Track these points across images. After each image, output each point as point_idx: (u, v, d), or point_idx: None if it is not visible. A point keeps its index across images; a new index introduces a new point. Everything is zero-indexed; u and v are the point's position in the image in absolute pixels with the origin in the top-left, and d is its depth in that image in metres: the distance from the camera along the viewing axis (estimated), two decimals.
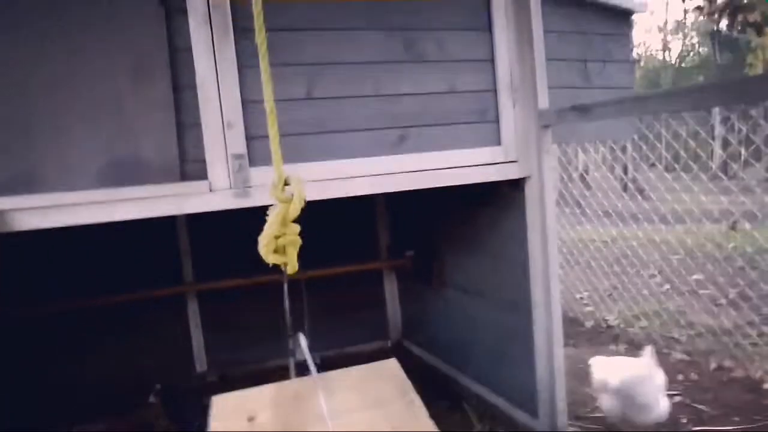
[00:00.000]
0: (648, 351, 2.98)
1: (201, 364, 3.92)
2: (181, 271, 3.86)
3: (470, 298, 3.29)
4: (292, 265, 1.42)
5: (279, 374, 1.90)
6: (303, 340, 1.53)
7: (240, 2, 2.09)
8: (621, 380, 2.90)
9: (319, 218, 3.12)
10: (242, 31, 2.12)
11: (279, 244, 1.39)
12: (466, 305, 3.34)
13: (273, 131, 1.31)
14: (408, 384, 1.56)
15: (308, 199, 2.13)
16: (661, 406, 2.89)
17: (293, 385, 1.66)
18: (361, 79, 2.35)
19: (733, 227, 7.04)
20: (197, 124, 2.12)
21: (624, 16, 3.05)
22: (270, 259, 1.40)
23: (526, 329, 2.74)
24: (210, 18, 2.07)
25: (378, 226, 4.37)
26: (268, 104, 1.29)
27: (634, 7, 3.09)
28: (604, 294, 6.03)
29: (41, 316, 3.40)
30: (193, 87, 2.10)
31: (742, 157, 6.64)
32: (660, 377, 2.95)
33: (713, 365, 4.05)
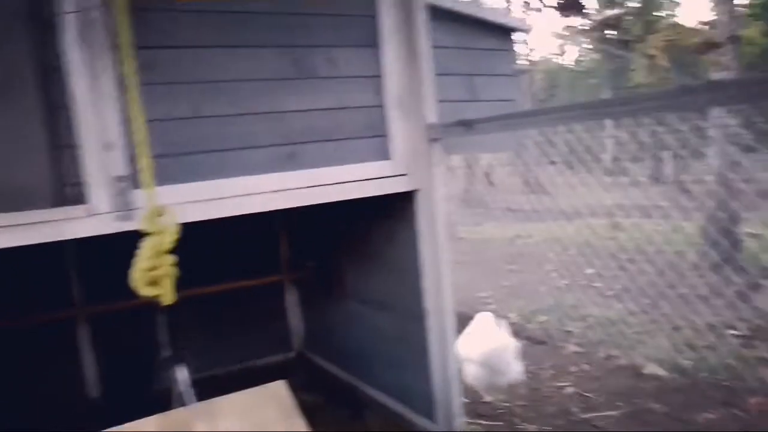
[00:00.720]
0: (503, 323, 3.35)
1: (94, 389, 3.74)
2: (70, 293, 3.67)
3: (369, 308, 3.34)
4: (167, 297, 1.39)
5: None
6: (180, 372, 1.51)
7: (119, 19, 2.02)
8: (483, 353, 3.19)
9: (219, 234, 3.10)
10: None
11: (153, 277, 1.36)
12: (366, 315, 3.39)
13: (145, 162, 1.29)
14: (293, 406, 1.58)
15: (198, 219, 2.13)
16: (515, 369, 3.28)
17: (177, 414, 1.63)
18: (250, 96, 2.33)
19: (615, 225, 7.53)
20: (75, 146, 2.03)
21: (507, 32, 3.20)
22: (144, 292, 1.37)
23: (421, 337, 2.82)
24: (85, 35, 1.99)
25: (279, 239, 4.34)
26: (139, 135, 1.26)
27: (517, 24, 3.26)
28: (506, 291, 6.29)
29: None
30: (69, 107, 2.01)
31: (629, 157, 7.13)
32: (513, 346, 3.34)
33: (602, 355, 4.32)
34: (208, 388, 2.06)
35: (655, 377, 3.85)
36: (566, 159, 5.70)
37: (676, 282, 4.72)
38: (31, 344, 3.47)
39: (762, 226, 6.75)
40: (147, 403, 1.88)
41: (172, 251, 1.38)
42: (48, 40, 1.98)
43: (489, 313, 3.63)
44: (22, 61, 1.97)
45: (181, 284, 3.61)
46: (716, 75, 6.28)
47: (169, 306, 1.47)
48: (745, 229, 7.03)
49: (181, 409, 1.68)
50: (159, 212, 1.36)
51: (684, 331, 4.31)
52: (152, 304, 1.57)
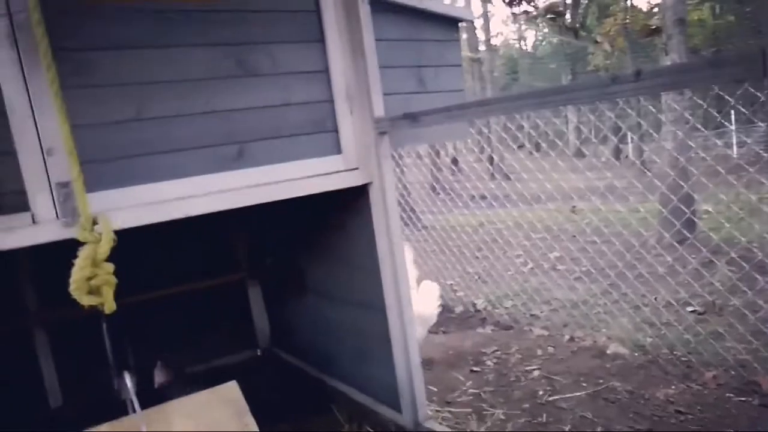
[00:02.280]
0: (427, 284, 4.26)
1: (55, 399, 3.68)
2: (23, 300, 3.59)
3: (331, 303, 3.35)
4: (109, 305, 1.38)
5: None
6: (128, 379, 1.50)
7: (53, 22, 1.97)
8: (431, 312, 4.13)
9: (175, 235, 3.06)
10: (60, 51, 1.99)
11: (93, 285, 1.34)
12: (328, 310, 3.40)
13: (75, 172, 1.28)
14: (245, 406, 1.58)
15: (141, 223, 2.09)
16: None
17: (129, 420, 1.63)
18: (193, 96, 2.29)
19: (573, 210, 7.66)
20: (12, 153, 1.98)
21: (453, 23, 3.22)
22: (84, 301, 1.35)
23: (382, 330, 2.83)
24: (15, 39, 1.93)
25: (238, 236, 4.33)
26: (67, 145, 1.25)
27: (461, 14, 3.28)
28: (473, 278, 6.35)
29: None
30: (4, 113, 1.96)
31: (596, 140, 7.27)
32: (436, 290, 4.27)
33: (567, 337, 4.41)
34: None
35: (618, 356, 3.95)
36: (534, 143, 5.77)
37: (635, 263, 4.83)
38: None
39: (713, 205, 6.94)
40: (109, 412, 1.88)
41: (110, 259, 1.37)
42: None
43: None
44: None
45: (142, 288, 3.60)
46: (665, 59, 6.42)
47: (111, 313, 1.46)
48: (703, 207, 7.24)
49: (134, 414, 1.67)
50: (93, 220, 1.34)
51: (644, 309, 4.42)
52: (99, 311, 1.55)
